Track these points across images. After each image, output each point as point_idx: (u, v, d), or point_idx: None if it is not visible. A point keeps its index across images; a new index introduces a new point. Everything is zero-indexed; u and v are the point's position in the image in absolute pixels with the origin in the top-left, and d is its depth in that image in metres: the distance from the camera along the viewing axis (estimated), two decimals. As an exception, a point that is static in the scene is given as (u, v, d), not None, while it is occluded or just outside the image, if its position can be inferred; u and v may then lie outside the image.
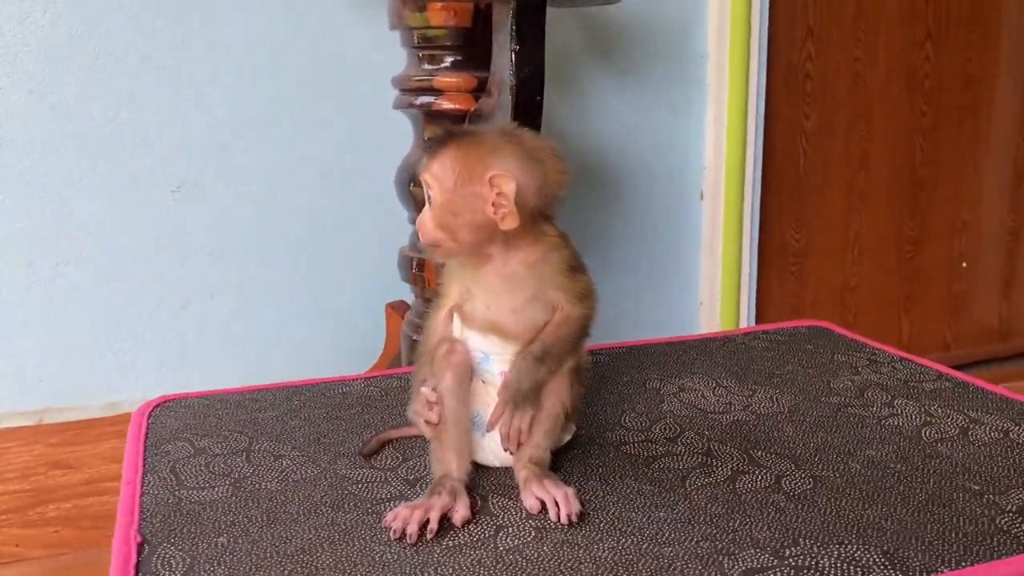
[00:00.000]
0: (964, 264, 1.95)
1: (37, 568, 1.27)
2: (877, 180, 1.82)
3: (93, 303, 1.29)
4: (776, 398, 0.91)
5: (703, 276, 1.66)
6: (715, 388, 0.94)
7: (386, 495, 0.70)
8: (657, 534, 0.64)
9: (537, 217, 0.69)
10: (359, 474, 0.74)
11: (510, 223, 0.66)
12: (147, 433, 0.82)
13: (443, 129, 0.73)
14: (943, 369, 0.97)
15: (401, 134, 1.21)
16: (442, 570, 0.59)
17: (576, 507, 0.66)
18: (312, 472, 0.74)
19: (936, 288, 1.93)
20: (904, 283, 1.90)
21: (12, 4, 1.19)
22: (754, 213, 1.67)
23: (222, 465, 0.75)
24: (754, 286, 1.70)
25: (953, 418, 0.84)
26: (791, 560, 0.60)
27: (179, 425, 0.84)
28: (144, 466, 0.75)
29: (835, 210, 1.80)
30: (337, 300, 1.40)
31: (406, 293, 1.26)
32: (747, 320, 1.69)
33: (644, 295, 1.63)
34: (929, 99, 1.84)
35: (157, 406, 0.88)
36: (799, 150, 1.74)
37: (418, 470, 0.75)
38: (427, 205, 0.69)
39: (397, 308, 1.28)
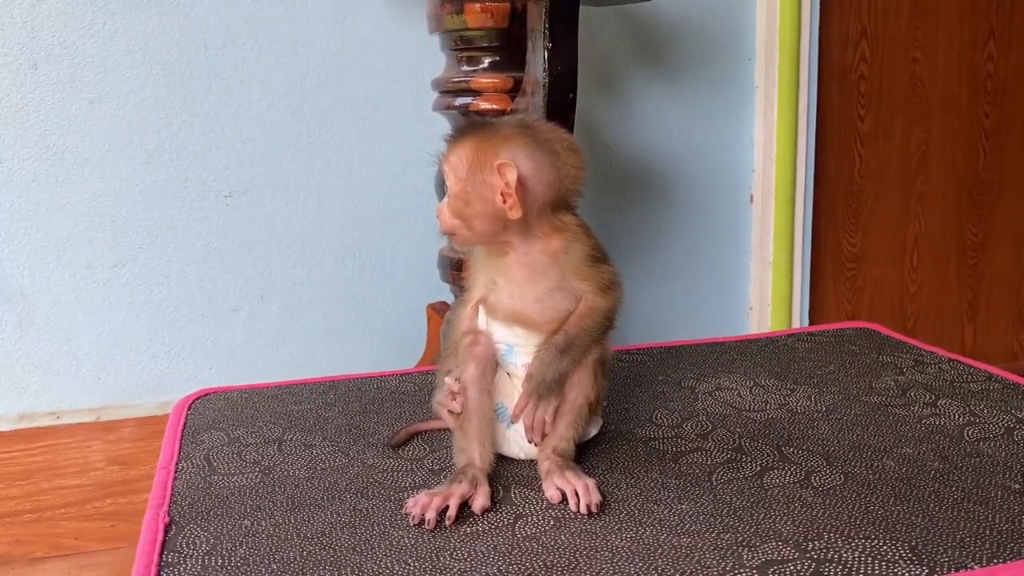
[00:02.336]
0: (1032, 271, 1.87)
1: (94, 560, 1.32)
2: (937, 184, 1.77)
3: (148, 305, 1.33)
4: (814, 397, 0.88)
5: (753, 281, 1.64)
6: (752, 387, 0.92)
7: (410, 483, 0.71)
8: (678, 526, 0.63)
9: (553, 208, 0.69)
10: (385, 463, 0.75)
11: (515, 213, 0.67)
12: (185, 423, 0.84)
13: (463, 121, 0.74)
14: (993, 370, 0.94)
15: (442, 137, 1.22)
16: (457, 555, 0.59)
17: (596, 497, 0.66)
18: (340, 461, 0.75)
19: (1002, 296, 1.86)
20: (967, 290, 1.83)
21: (75, 18, 1.25)
22: (806, 217, 1.63)
23: (254, 453, 0.77)
24: (807, 291, 1.66)
25: (999, 418, 0.81)
26: (813, 553, 0.58)
27: (216, 416, 0.86)
28: (179, 453, 0.77)
29: (892, 214, 1.75)
30: (382, 302, 1.42)
31: (448, 294, 1.27)
32: (799, 325, 1.65)
33: (692, 299, 1.61)
34: (993, 100, 1.78)
35: (198, 399, 0.91)
36: (854, 153, 1.70)
37: (444, 460, 0.75)
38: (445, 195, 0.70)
39: (438, 309, 1.29)
